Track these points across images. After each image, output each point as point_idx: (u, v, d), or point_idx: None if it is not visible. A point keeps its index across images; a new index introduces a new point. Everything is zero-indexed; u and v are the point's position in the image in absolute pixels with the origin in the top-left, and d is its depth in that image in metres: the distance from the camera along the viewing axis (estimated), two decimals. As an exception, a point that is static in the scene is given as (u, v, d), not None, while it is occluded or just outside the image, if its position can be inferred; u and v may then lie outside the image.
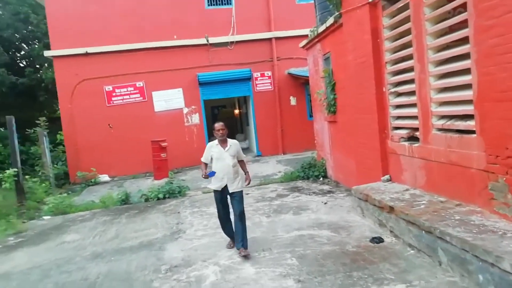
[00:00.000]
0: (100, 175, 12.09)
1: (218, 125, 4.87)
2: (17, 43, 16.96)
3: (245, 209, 5.00)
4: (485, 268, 3.12)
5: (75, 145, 12.35)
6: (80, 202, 9.37)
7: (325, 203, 6.75)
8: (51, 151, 12.15)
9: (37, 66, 17.12)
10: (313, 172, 9.05)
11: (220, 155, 4.84)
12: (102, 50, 12.29)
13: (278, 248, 4.88)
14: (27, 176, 9.88)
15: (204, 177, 4.84)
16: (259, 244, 5.08)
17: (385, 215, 4.89)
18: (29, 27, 17.06)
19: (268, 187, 8.71)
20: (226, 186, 4.82)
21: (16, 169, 9.02)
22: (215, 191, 4.95)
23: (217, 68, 12.83)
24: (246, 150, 15.32)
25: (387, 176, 5.93)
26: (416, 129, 5.14)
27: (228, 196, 4.93)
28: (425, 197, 4.79)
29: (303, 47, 9.61)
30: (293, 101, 13.37)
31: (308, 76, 10.17)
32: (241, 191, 4.95)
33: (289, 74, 13.17)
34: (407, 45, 5.18)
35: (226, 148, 4.86)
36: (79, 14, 12.22)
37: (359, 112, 6.61)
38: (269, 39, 13.08)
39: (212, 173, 4.78)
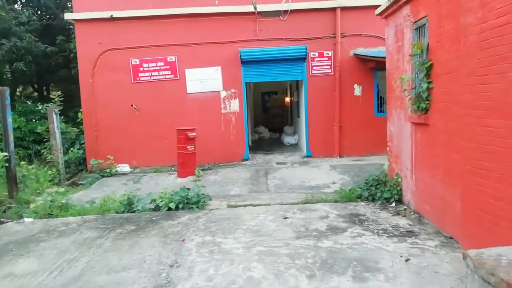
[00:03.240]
0: (119, 165, 10.21)
1: None
2: (54, 8, 15.41)
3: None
4: None
5: (94, 127, 10.63)
6: (78, 201, 7.49)
7: (407, 260, 4.14)
8: (62, 132, 10.42)
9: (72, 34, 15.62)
10: (381, 192, 6.37)
11: None
12: (129, 14, 10.30)
13: None
14: (23, 162, 8.19)
15: None
16: None
17: None
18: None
19: (316, 209, 6.20)
20: None
21: (7, 154, 7.34)
22: None
23: (264, 44, 10.30)
24: (294, 147, 12.81)
25: (537, 239, 3.22)
26: None
27: None
28: None
29: (380, 14, 6.85)
30: (357, 90, 10.53)
31: (381, 58, 7.42)
32: None
33: (356, 55, 10.33)
34: None
35: None
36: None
37: (479, 115, 3.89)
38: (333, 9, 10.22)
39: None
